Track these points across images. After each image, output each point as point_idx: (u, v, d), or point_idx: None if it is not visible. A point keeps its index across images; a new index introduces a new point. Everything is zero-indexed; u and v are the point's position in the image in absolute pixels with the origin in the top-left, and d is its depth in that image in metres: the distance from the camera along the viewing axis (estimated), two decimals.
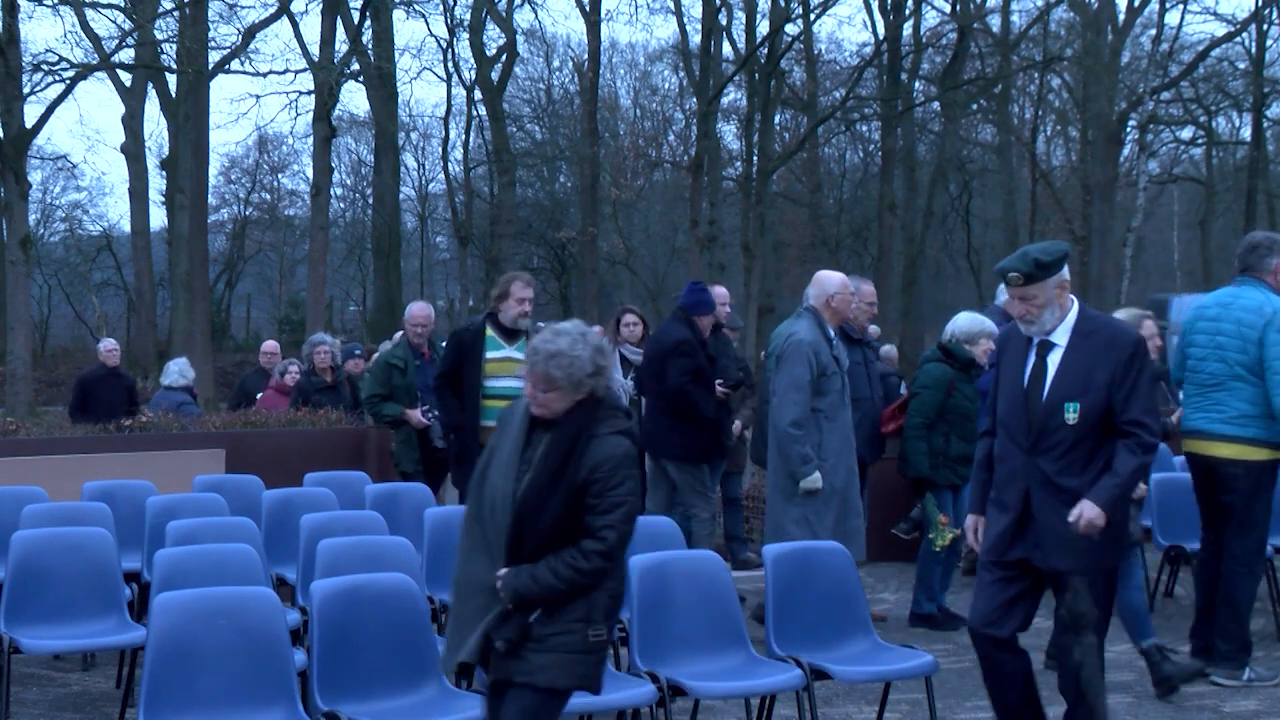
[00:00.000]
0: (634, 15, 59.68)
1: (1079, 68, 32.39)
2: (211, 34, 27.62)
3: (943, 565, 7.85)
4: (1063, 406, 4.78)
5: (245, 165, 43.14)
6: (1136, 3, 32.28)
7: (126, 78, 29.62)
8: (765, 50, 30.15)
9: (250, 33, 27.58)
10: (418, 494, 7.68)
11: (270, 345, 12.88)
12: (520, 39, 34.10)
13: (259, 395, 11.43)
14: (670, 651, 5.12)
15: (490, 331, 7.72)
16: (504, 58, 32.39)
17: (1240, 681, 6.42)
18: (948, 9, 33.33)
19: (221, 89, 65.19)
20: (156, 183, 34.00)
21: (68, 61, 25.62)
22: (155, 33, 25.95)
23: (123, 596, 5.96)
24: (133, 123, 30.69)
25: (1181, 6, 31.48)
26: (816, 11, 30.33)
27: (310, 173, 30.38)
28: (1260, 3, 31.79)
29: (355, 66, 28.46)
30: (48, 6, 25.62)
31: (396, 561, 5.61)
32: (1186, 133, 36.93)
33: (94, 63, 26.45)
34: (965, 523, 5.30)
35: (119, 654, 6.27)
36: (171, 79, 28.60)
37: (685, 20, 32.30)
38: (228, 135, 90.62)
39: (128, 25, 26.60)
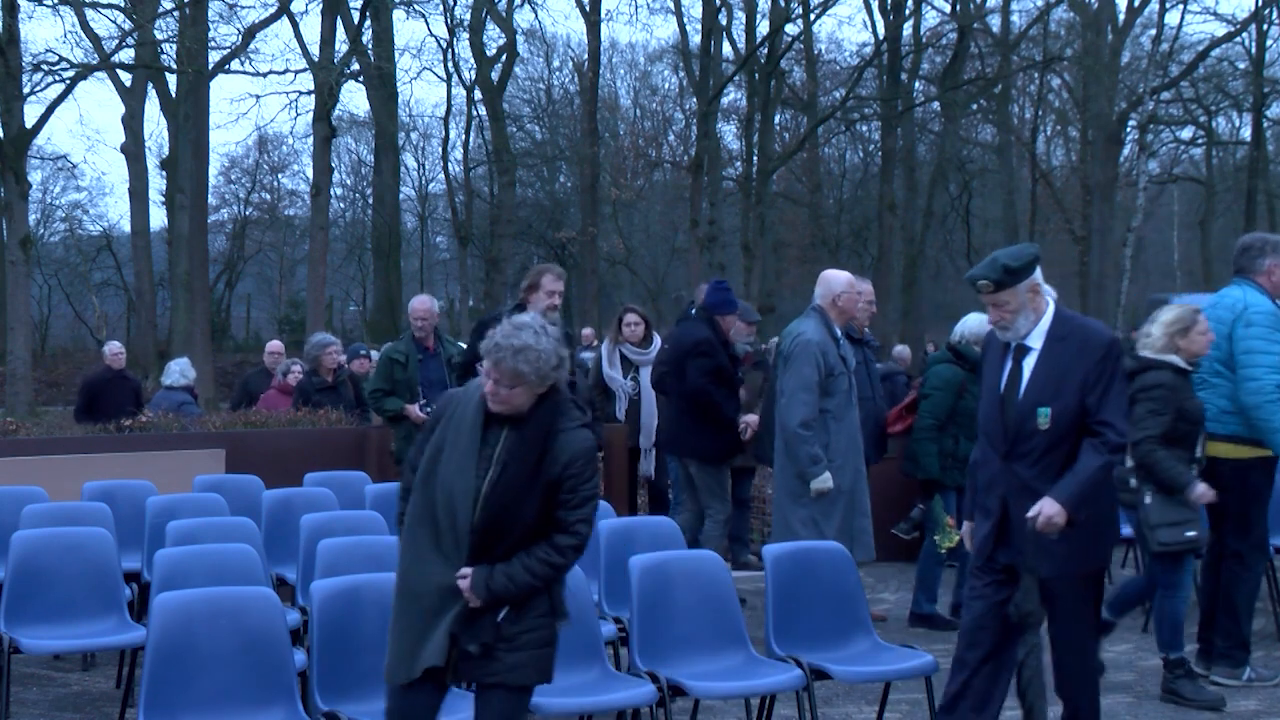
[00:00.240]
0: (634, 15, 59.93)
1: (1079, 68, 32.43)
2: (211, 34, 27.66)
3: (942, 567, 7.87)
4: (1036, 411, 4.76)
5: (245, 165, 43.25)
6: (1136, 3, 32.30)
7: (126, 78, 29.63)
8: (765, 50, 30.18)
9: (250, 33, 27.59)
10: None
11: (275, 345, 12.85)
12: (520, 39, 34.14)
13: (261, 395, 11.42)
14: (670, 651, 5.11)
15: None
16: (504, 58, 32.40)
17: (1240, 681, 6.42)
18: (948, 9, 33.34)
19: (221, 89, 65.37)
20: (156, 183, 34.08)
21: (68, 61, 25.65)
22: (155, 33, 25.95)
23: (123, 596, 5.95)
24: (133, 123, 30.68)
25: (1181, 6, 31.55)
26: (816, 11, 30.36)
27: (310, 173, 30.43)
28: (1260, 3, 31.80)
29: (355, 66, 28.48)
30: (48, 6, 25.68)
31: (397, 561, 5.60)
32: (1186, 133, 36.98)
33: (94, 63, 26.46)
34: (962, 528, 5.30)
35: (119, 654, 6.26)
36: (171, 79, 28.60)
37: (685, 20, 32.37)
38: (228, 135, 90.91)
39: (128, 25, 26.61)
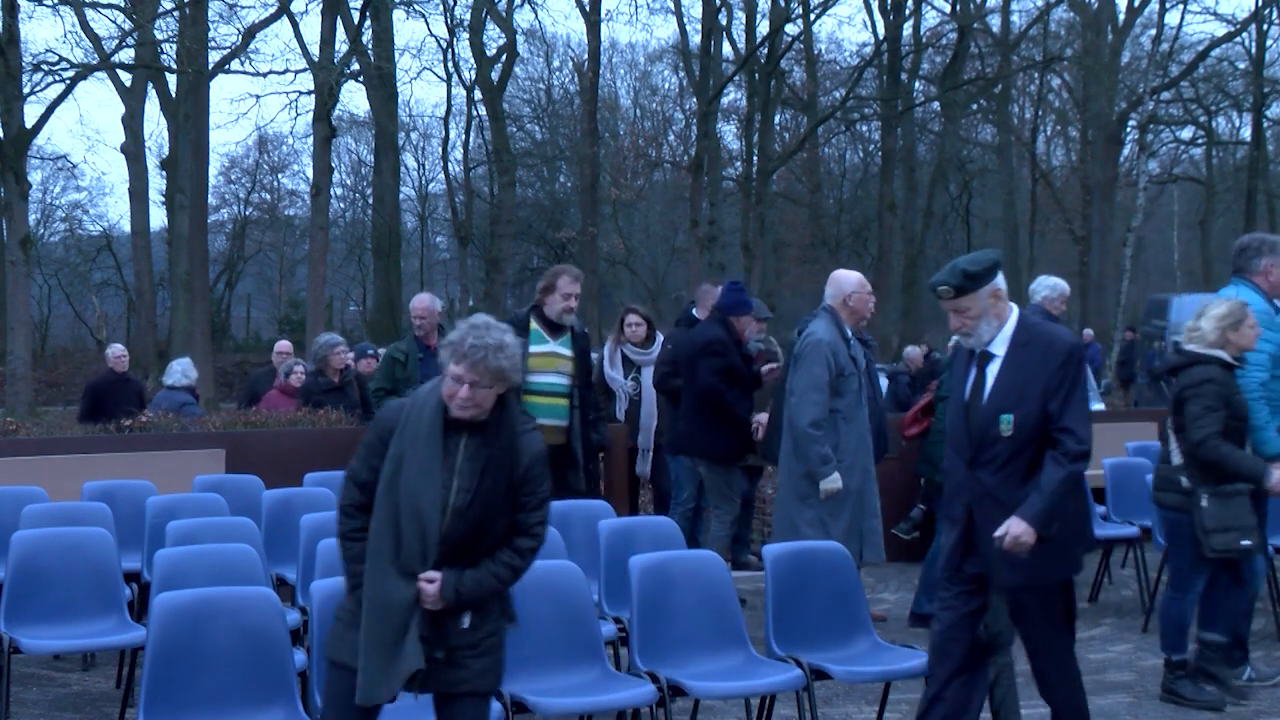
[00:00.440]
0: (634, 15, 59.93)
1: (1079, 68, 32.46)
2: (211, 34, 27.67)
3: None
4: (999, 418, 4.73)
5: (245, 165, 43.24)
6: (1136, 3, 32.33)
7: (126, 78, 29.63)
8: (765, 50, 30.19)
9: (250, 33, 27.59)
10: None
11: (284, 345, 12.82)
12: (520, 39, 34.16)
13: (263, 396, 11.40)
14: (670, 651, 5.11)
15: (535, 325, 7.61)
16: (504, 58, 32.42)
17: (1239, 681, 6.42)
18: (948, 9, 33.38)
19: (221, 89, 65.34)
20: (156, 183, 34.07)
21: (68, 61, 25.64)
22: (155, 33, 25.95)
23: (123, 596, 5.95)
24: (133, 123, 30.69)
25: (1181, 6, 31.55)
26: (816, 11, 30.38)
27: (310, 173, 30.43)
28: (1260, 3, 31.83)
29: (355, 66, 28.48)
30: (48, 6, 25.68)
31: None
32: (1186, 133, 37.02)
33: (94, 63, 26.45)
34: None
35: (119, 654, 6.26)
36: (171, 79, 28.60)
37: (685, 20, 32.39)
38: (228, 135, 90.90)
39: (128, 25, 26.61)
